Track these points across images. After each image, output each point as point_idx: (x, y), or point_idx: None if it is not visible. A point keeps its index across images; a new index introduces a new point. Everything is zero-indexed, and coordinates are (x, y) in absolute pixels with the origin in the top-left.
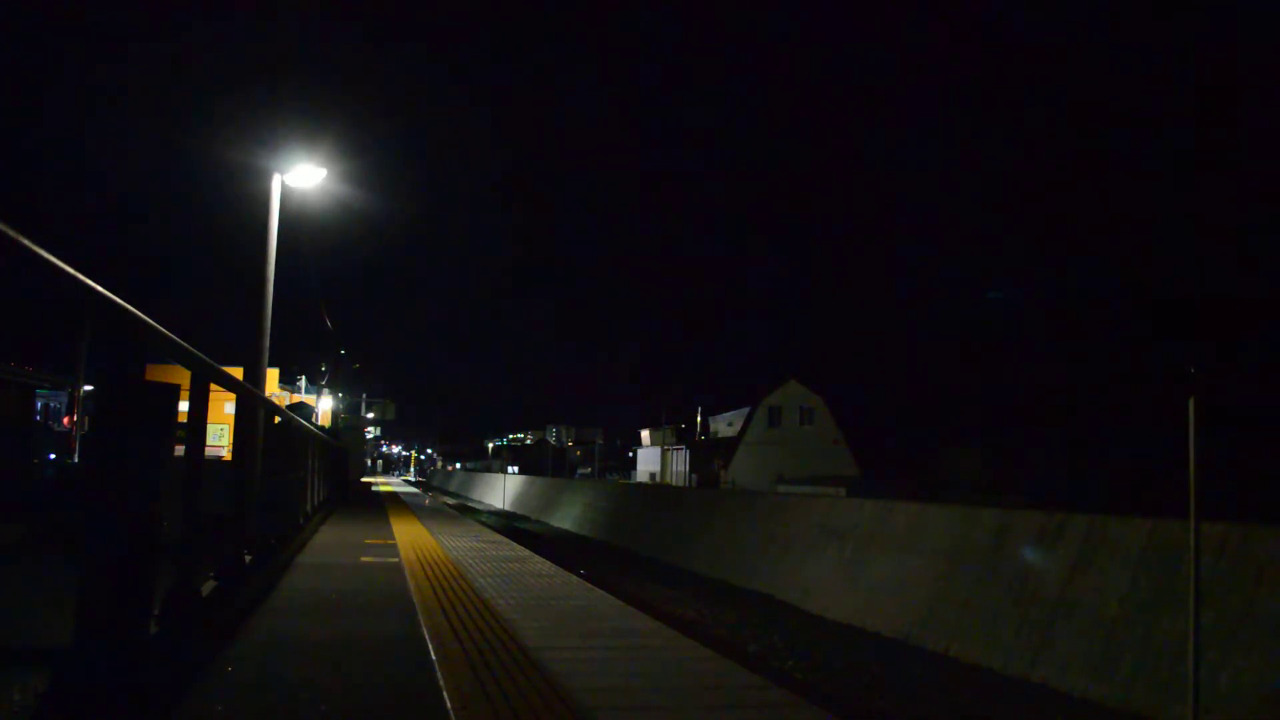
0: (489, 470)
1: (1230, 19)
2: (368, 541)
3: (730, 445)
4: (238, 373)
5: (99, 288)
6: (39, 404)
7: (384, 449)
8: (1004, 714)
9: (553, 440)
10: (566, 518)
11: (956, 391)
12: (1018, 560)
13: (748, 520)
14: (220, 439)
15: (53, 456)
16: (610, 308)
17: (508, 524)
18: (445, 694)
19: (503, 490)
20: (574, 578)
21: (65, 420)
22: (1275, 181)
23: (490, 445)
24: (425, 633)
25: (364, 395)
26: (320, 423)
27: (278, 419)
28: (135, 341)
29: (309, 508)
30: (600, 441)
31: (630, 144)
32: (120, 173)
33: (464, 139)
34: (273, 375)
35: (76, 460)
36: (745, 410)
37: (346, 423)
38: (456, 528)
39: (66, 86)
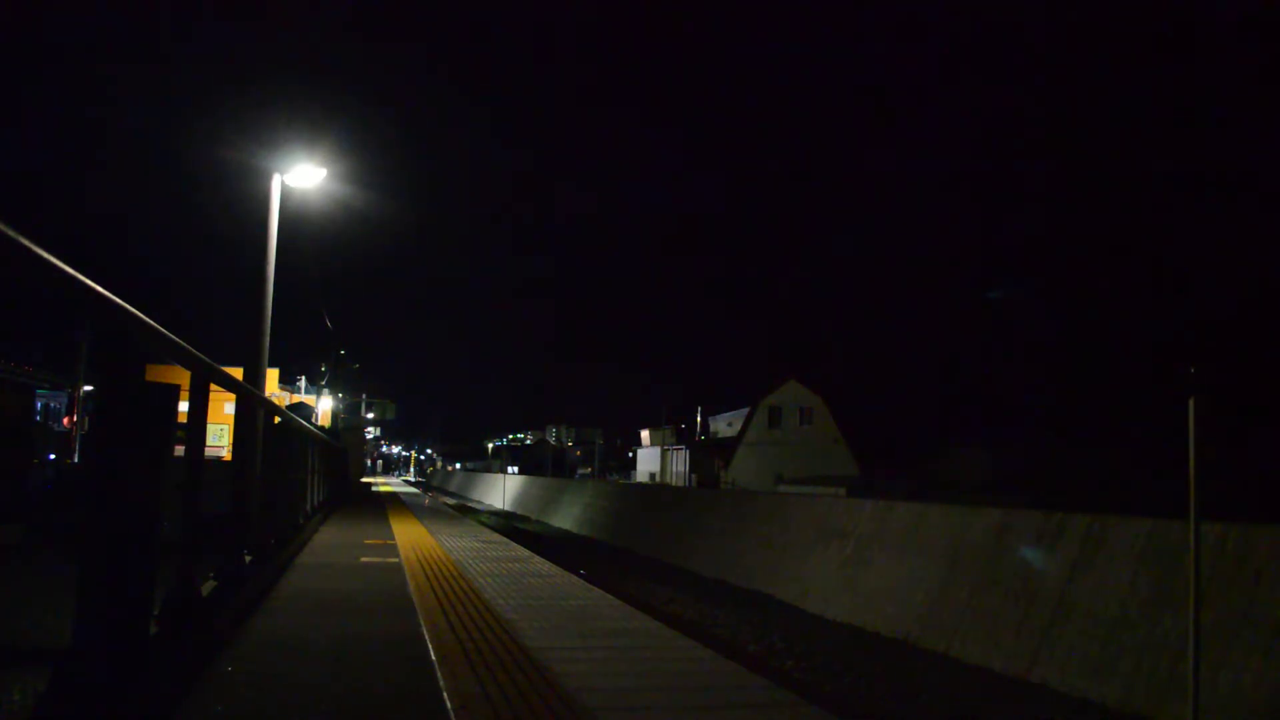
0: (489, 470)
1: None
2: (367, 542)
3: (730, 445)
4: (238, 373)
5: (99, 288)
6: (39, 404)
7: (384, 449)
8: (1004, 714)
9: (552, 440)
10: (566, 518)
11: (957, 391)
12: (1018, 560)
13: (747, 520)
14: (220, 439)
15: (53, 457)
16: (611, 308)
17: (508, 524)
18: (445, 694)
19: (503, 490)
20: (574, 578)
21: (65, 420)
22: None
23: (490, 445)
24: (425, 633)
25: (364, 395)
26: (320, 423)
27: (277, 419)
28: (135, 342)
29: (309, 508)
30: (600, 442)
31: (631, 142)
32: (120, 172)
33: (464, 139)
34: (273, 375)
35: (76, 460)
36: (745, 410)
37: (346, 423)
38: (456, 528)
39: (66, 86)
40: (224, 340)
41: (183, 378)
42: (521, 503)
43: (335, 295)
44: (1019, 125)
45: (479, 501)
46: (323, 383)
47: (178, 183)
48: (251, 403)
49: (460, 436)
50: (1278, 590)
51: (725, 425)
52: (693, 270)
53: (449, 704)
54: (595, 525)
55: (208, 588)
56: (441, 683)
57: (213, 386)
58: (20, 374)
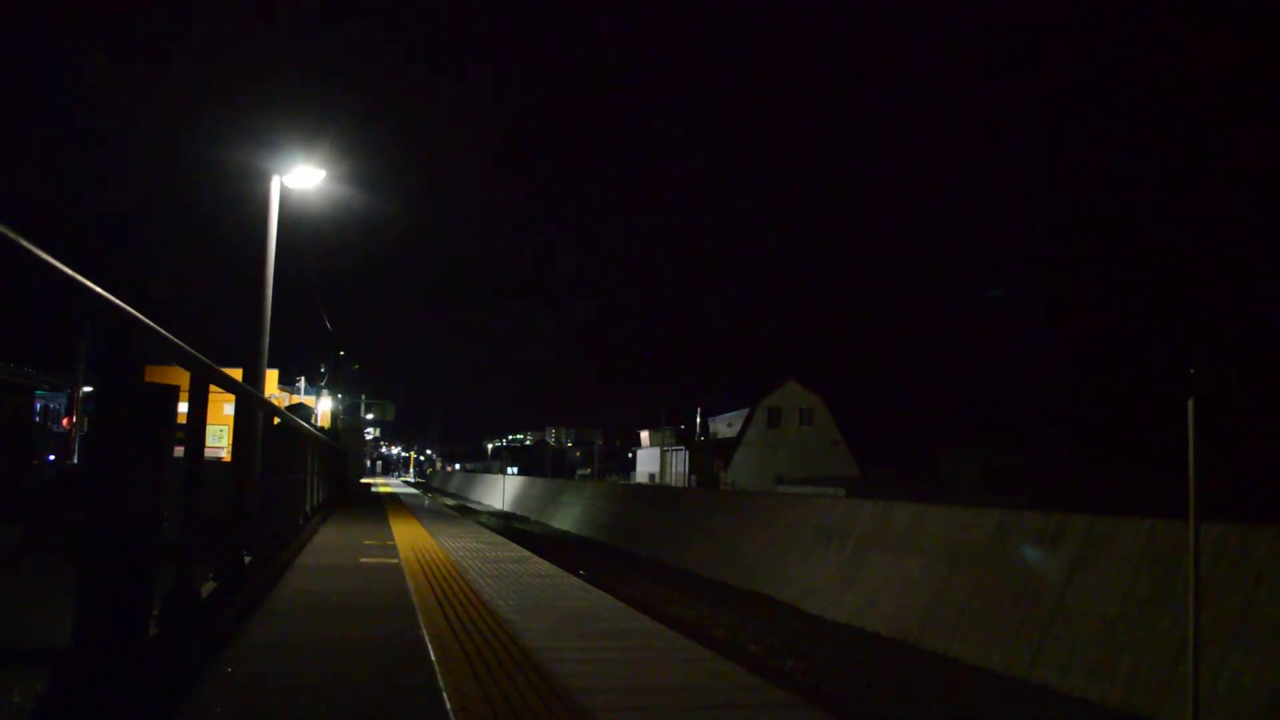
0: (488, 471)
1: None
2: (367, 543)
3: (730, 446)
4: (237, 374)
5: (98, 289)
6: (39, 405)
7: (383, 450)
8: (1004, 714)
9: (552, 441)
10: (566, 519)
11: (956, 391)
12: (1017, 560)
13: (747, 521)
14: (220, 440)
15: (52, 458)
16: (610, 308)
17: (507, 525)
18: (445, 695)
19: (502, 491)
20: (574, 579)
21: (65, 421)
22: (1276, 179)
23: (490, 446)
24: (425, 634)
25: (363, 396)
26: (319, 424)
27: (277, 420)
28: (134, 342)
29: (308, 509)
30: (600, 442)
31: (631, 142)
32: (119, 173)
33: (464, 139)
34: (272, 376)
35: (76, 461)
36: (744, 411)
37: (346, 423)
38: (456, 528)
39: (64, 86)
40: (224, 341)
41: (182, 378)
42: (521, 503)
43: (335, 296)
44: (1019, 123)
45: (479, 502)
46: (322, 383)
47: (177, 183)
48: (251, 403)
49: (460, 437)
50: (1278, 590)
51: (725, 426)
52: (693, 270)
53: (449, 705)
54: (595, 526)
55: (207, 588)
56: (441, 684)
57: (212, 387)
58: (20, 374)
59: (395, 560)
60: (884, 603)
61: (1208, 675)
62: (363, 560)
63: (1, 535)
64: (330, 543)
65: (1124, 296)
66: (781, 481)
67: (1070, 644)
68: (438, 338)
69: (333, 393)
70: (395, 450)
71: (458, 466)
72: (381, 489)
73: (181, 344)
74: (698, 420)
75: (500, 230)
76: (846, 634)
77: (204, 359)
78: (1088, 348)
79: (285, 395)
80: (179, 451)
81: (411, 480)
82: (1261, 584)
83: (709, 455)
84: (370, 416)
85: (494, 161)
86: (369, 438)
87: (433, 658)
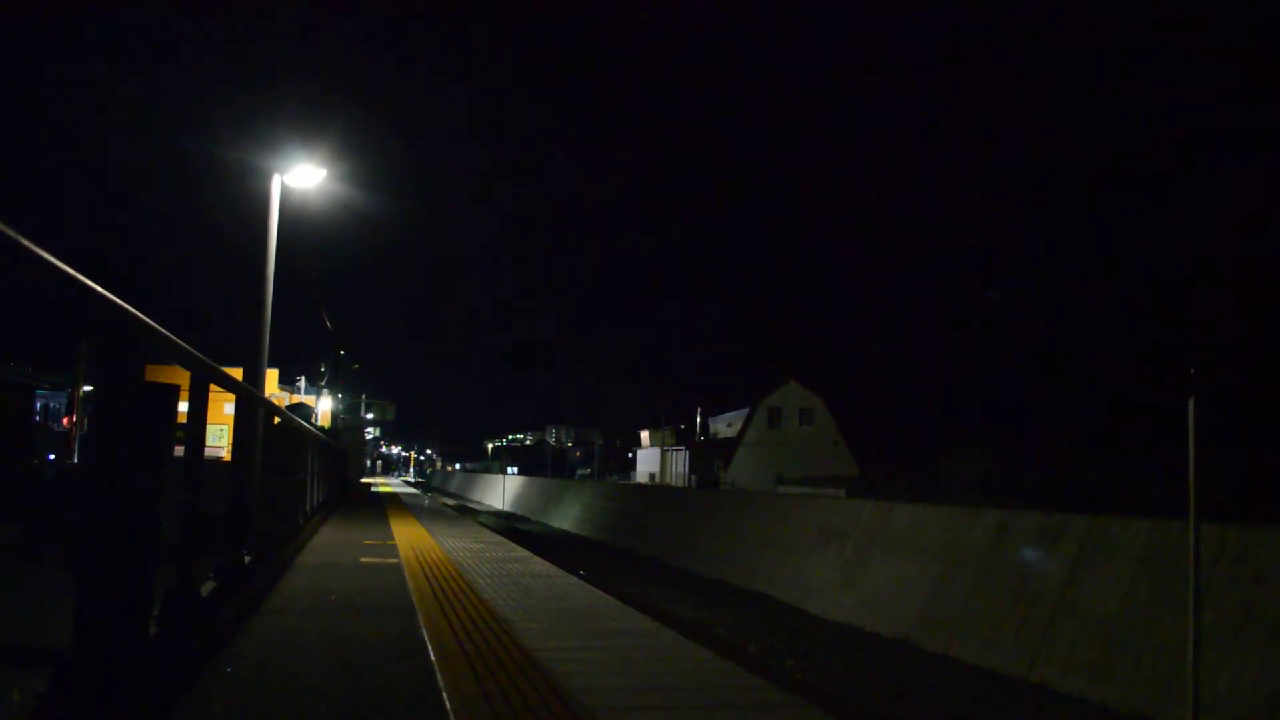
0: (488, 471)
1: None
2: (367, 542)
3: (730, 446)
4: (237, 373)
5: (98, 288)
6: (39, 404)
7: (383, 450)
8: (1004, 714)
9: (552, 441)
10: (566, 519)
11: (956, 391)
12: (1017, 560)
13: (747, 521)
14: (220, 439)
15: (52, 457)
16: (610, 307)
17: (507, 525)
18: (445, 694)
19: (502, 491)
20: (574, 578)
21: (65, 420)
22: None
23: (490, 446)
24: (425, 633)
25: (364, 396)
26: (320, 423)
27: (277, 420)
28: (134, 341)
29: (308, 508)
30: (600, 442)
31: (632, 142)
32: (120, 172)
33: (464, 139)
34: (272, 376)
35: (76, 460)
36: (745, 411)
37: (346, 423)
38: (456, 528)
39: (65, 85)
40: (224, 340)
41: (182, 378)
42: (521, 503)
43: (335, 295)
44: (1019, 123)
45: (479, 502)
46: (322, 383)
47: (178, 182)
48: (251, 403)
49: (460, 437)
50: (1278, 590)
51: (725, 426)
52: (692, 269)
53: (448, 704)
54: (595, 526)
55: (207, 588)
56: (441, 683)
57: (212, 387)
58: (20, 374)
59: (395, 560)
60: (884, 603)
61: (1208, 675)
62: (363, 560)
63: (1, 535)
64: (330, 542)
65: (1124, 296)
66: (782, 481)
67: (1070, 644)
68: (438, 338)
69: (333, 392)
70: (395, 450)
71: (458, 466)
72: (382, 489)
73: (182, 343)
74: (698, 420)
75: (502, 229)
76: (847, 634)
77: (204, 358)
78: (1088, 347)
79: (285, 395)
80: (179, 451)
81: (411, 480)
82: (1261, 584)
83: (709, 455)
84: (370, 416)
85: (494, 161)
86: (369, 437)
87: (432, 657)
